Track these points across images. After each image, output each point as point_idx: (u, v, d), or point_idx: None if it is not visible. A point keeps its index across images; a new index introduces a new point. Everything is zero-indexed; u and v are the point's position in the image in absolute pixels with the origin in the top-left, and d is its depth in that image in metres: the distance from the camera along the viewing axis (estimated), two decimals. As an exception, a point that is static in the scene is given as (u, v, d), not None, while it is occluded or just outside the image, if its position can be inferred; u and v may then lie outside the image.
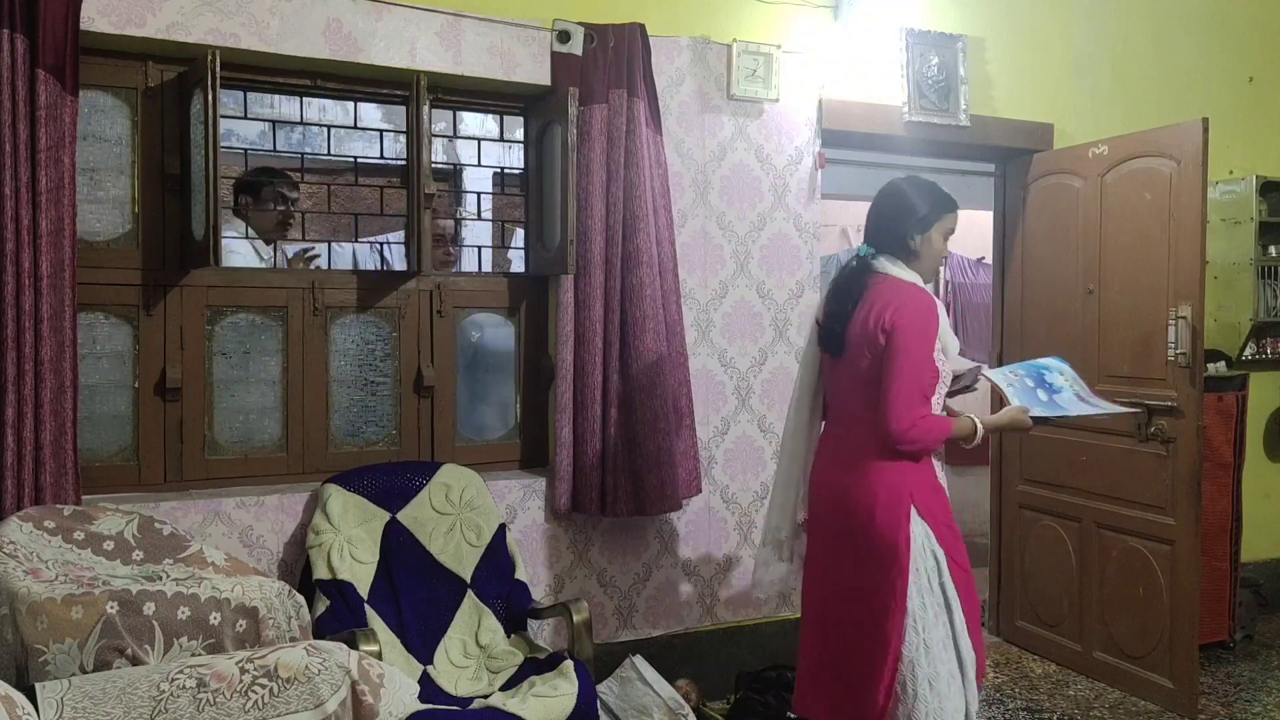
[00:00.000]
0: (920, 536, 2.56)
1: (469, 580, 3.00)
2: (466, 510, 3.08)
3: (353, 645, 2.40)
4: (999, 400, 2.99)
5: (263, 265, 3.38)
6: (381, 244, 5.12)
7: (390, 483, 3.05)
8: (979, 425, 2.67)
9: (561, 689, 2.62)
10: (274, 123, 3.62)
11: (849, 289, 2.69)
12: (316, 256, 3.65)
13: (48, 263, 2.60)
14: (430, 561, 2.98)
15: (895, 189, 2.74)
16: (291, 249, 3.63)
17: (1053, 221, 4.13)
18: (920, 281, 2.67)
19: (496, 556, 3.06)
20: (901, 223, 2.68)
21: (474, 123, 4.55)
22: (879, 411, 2.53)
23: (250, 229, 3.43)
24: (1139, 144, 3.79)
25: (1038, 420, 2.78)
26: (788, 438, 2.93)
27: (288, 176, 3.54)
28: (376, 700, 2.08)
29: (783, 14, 3.72)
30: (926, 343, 2.54)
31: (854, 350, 2.63)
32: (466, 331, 3.44)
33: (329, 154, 4.31)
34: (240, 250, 3.34)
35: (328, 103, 3.91)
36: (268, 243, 3.45)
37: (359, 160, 3.47)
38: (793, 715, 3.23)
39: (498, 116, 3.56)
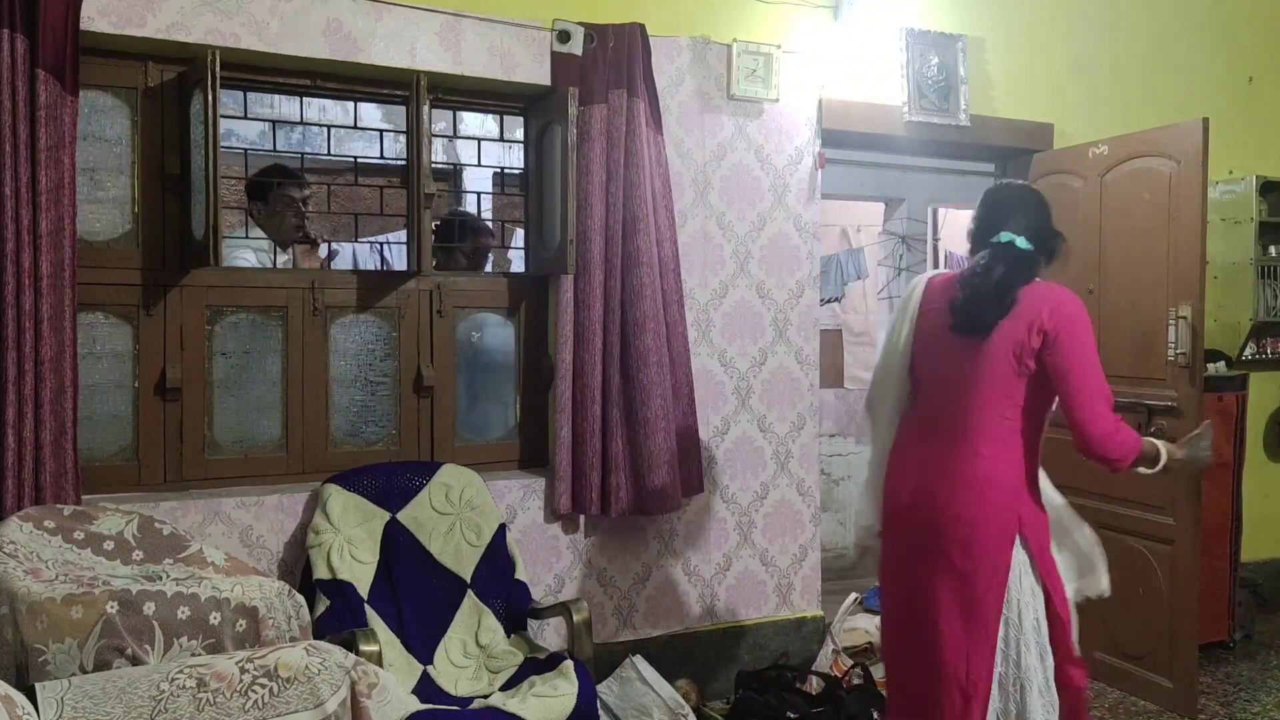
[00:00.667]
0: (1020, 566, 2.31)
1: (469, 580, 3.00)
2: (466, 510, 3.08)
3: (352, 645, 2.41)
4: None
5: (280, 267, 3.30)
6: (382, 244, 5.11)
7: (390, 483, 3.05)
8: (1163, 452, 2.34)
9: (561, 689, 2.62)
10: (274, 123, 3.63)
11: (1007, 281, 2.35)
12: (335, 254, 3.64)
13: (48, 263, 2.60)
14: (430, 561, 2.98)
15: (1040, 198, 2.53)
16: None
17: (1053, 221, 4.13)
18: None
19: (496, 556, 3.06)
20: (1055, 235, 2.49)
21: (474, 123, 4.56)
22: (1069, 415, 2.27)
23: (266, 233, 3.34)
24: (1139, 144, 3.79)
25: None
26: (880, 428, 2.60)
27: (294, 174, 3.44)
28: (370, 704, 2.08)
29: (783, 14, 3.72)
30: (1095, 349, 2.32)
31: (998, 346, 2.33)
32: (466, 331, 3.44)
33: (329, 154, 4.33)
34: (248, 259, 3.27)
35: (328, 103, 3.92)
36: (284, 248, 3.37)
37: (359, 160, 3.47)
38: (792, 716, 3.23)
39: (498, 116, 3.56)
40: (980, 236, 2.48)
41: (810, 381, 3.85)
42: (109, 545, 2.43)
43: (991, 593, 2.29)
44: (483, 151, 3.71)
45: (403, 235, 3.51)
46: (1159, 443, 2.35)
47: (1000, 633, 2.30)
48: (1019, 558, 2.30)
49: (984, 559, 2.29)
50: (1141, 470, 2.34)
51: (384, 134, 3.47)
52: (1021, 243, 2.39)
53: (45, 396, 2.59)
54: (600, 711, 2.94)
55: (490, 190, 3.76)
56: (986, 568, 2.29)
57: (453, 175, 5.25)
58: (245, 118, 3.35)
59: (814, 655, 3.78)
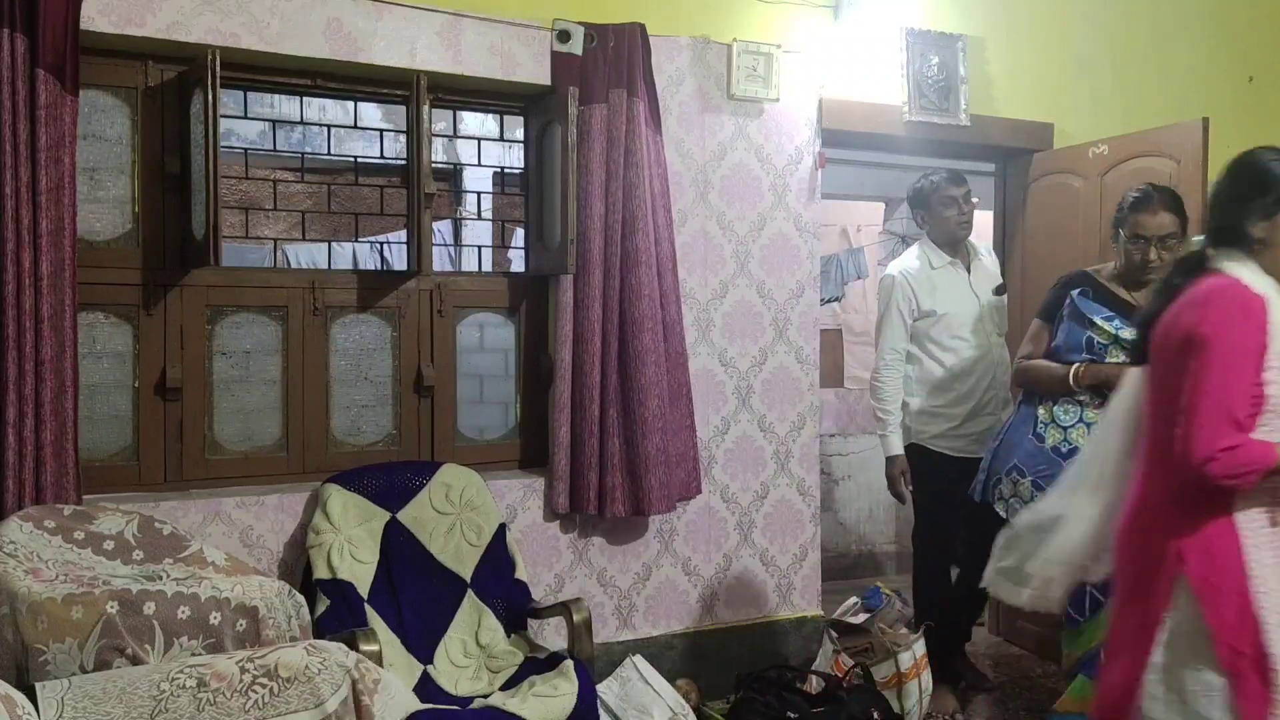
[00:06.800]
0: (1185, 608, 1.95)
1: (469, 580, 3.00)
2: (466, 510, 3.08)
3: (353, 645, 2.41)
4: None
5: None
6: (381, 244, 5.10)
7: (390, 482, 3.05)
8: None
9: (561, 689, 2.62)
10: (274, 122, 3.63)
11: (1169, 288, 2.12)
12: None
13: (48, 262, 2.60)
14: (430, 561, 2.98)
15: (1245, 162, 2.11)
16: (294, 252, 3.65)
17: (1053, 221, 4.13)
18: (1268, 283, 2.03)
19: (496, 556, 3.06)
20: (1243, 205, 2.05)
21: (474, 122, 4.55)
22: (1177, 440, 1.96)
23: (931, 239, 3.76)
24: (1139, 144, 3.78)
25: None
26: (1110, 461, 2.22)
27: (959, 177, 3.72)
28: (372, 703, 2.08)
29: (783, 14, 3.71)
30: (1245, 353, 1.94)
31: (1153, 359, 2.10)
32: (467, 331, 3.45)
33: (329, 154, 4.32)
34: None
35: (328, 102, 3.91)
36: (951, 250, 3.73)
37: (359, 160, 3.47)
38: (792, 716, 3.22)
39: (498, 116, 3.56)
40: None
41: (810, 381, 3.85)
42: (109, 545, 2.43)
43: (1147, 619, 2.02)
44: (483, 151, 3.71)
45: (403, 235, 3.50)
46: None
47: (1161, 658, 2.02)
48: (1183, 599, 1.99)
49: (1137, 586, 2.08)
50: None
51: (384, 134, 3.47)
52: (1200, 243, 2.14)
53: (45, 396, 2.59)
54: (600, 711, 2.94)
55: (490, 190, 3.76)
56: (1140, 593, 2.06)
57: (453, 175, 5.24)
58: (245, 117, 3.35)
59: (814, 655, 3.78)
